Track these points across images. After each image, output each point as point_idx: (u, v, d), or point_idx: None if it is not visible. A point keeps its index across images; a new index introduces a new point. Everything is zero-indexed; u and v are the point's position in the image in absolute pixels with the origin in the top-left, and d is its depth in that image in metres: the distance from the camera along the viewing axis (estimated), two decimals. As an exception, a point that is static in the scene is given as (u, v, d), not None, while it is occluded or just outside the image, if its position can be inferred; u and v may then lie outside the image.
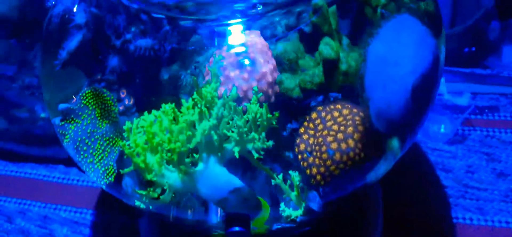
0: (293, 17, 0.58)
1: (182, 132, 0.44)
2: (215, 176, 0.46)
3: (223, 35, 0.56)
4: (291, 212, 0.49)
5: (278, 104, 0.52)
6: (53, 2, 0.79)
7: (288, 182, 0.49)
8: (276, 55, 0.55)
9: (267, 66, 0.54)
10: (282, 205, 0.49)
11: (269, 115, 0.46)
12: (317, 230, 0.61)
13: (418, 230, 0.75)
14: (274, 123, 0.47)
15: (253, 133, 0.46)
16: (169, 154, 0.45)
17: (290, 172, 0.48)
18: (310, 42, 0.56)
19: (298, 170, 0.48)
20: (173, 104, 0.47)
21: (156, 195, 0.47)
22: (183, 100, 0.47)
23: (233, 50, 0.53)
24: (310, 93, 0.52)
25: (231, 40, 0.55)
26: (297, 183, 0.48)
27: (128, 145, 0.46)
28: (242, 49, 0.53)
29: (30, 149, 0.86)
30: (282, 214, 0.49)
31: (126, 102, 0.57)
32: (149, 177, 0.46)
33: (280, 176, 0.48)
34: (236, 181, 0.46)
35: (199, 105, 0.46)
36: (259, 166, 0.49)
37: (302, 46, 0.56)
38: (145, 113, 0.47)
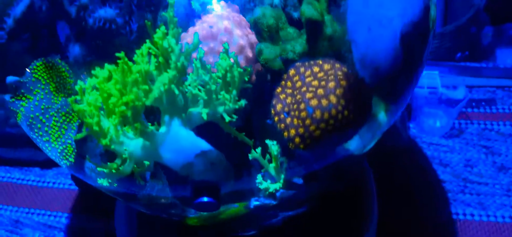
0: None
1: (136, 84, 0.37)
2: (179, 139, 0.39)
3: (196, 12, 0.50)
4: (269, 184, 0.42)
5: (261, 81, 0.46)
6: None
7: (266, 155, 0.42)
8: (253, 21, 0.48)
9: (245, 39, 0.48)
10: (258, 176, 0.42)
11: (240, 70, 0.39)
12: (309, 216, 0.53)
13: (416, 228, 0.67)
14: (246, 78, 0.40)
15: (223, 92, 0.39)
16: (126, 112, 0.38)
17: (267, 141, 0.41)
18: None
19: (276, 137, 0.41)
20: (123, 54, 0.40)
21: (115, 166, 0.40)
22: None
23: (206, 22, 0.46)
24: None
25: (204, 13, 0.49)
26: (276, 153, 0.41)
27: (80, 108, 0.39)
28: (216, 20, 0.47)
29: (1, 151, 0.79)
30: (259, 187, 0.42)
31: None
32: (104, 142, 0.39)
33: (259, 149, 0.41)
34: (203, 144, 0.39)
35: (156, 58, 0.39)
36: (232, 132, 0.41)
37: (284, 16, 0.50)
38: (97, 68, 0.40)
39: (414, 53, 0.43)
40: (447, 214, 0.69)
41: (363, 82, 0.39)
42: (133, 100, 0.37)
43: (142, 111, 0.38)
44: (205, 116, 0.39)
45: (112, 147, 0.40)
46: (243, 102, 0.40)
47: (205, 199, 0.38)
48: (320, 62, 0.41)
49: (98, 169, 0.42)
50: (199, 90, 0.40)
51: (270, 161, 0.41)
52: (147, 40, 0.38)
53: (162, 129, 0.39)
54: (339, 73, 0.40)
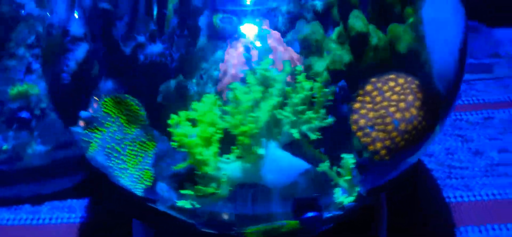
0: (293, 2, 0.54)
1: (248, 112, 0.38)
2: (279, 160, 0.40)
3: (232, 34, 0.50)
4: (344, 198, 0.44)
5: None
6: (24, 12, 0.69)
7: (334, 167, 0.44)
8: (303, 37, 0.50)
9: (288, 54, 0.50)
10: (337, 191, 0.44)
11: (325, 90, 0.41)
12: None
13: (412, 215, 0.73)
14: (330, 97, 0.42)
15: (309, 112, 0.41)
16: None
17: (345, 155, 0.43)
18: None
19: (350, 150, 0.44)
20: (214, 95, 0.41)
21: (212, 190, 0.40)
22: (235, 85, 0.41)
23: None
24: (336, 76, 0.48)
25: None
26: (351, 166, 0.43)
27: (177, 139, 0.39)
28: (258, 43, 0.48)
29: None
30: (335, 201, 0.44)
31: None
32: (207, 169, 0.39)
33: (326, 163, 0.43)
34: (303, 163, 0.40)
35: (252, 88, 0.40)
36: (309, 150, 0.43)
37: (322, 29, 0.52)
38: (194, 103, 0.40)
39: (464, 63, 0.47)
40: (441, 198, 0.76)
41: (437, 94, 0.43)
42: (252, 129, 0.37)
43: (259, 136, 0.39)
44: (297, 136, 0.41)
45: (210, 172, 0.40)
46: (330, 120, 0.42)
47: (310, 214, 0.40)
48: (393, 77, 0.44)
49: (187, 192, 0.42)
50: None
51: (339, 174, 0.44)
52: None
53: (261, 151, 0.40)
54: (413, 86, 0.43)
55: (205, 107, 0.40)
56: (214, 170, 0.40)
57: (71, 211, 0.72)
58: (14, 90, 0.67)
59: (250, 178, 0.40)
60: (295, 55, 0.50)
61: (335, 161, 0.44)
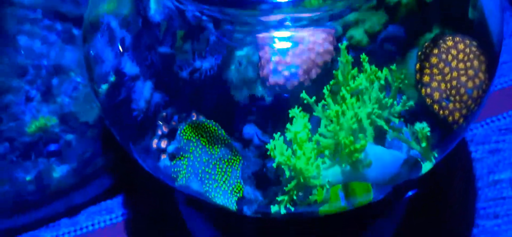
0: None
1: (351, 129, 0.38)
2: (379, 157, 0.41)
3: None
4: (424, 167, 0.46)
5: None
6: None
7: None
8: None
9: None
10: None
11: (400, 75, 0.42)
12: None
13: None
14: (406, 81, 0.42)
15: (390, 100, 0.42)
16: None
17: (417, 125, 0.44)
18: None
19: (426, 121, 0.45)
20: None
21: (321, 198, 0.41)
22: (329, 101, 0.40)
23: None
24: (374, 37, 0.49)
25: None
26: (428, 134, 0.44)
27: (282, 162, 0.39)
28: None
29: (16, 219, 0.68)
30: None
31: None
32: (313, 181, 0.40)
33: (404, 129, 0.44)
34: (399, 153, 0.42)
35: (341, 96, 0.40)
36: (396, 136, 0.44)
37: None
38: (288, 126, 0.40)
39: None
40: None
41: (495, 54, 0.45)
42: (359, 146, 0.38)
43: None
44: (386, 128, 0.42)
45: (314, 182, 0.41)
46: (411, 102, 0.43)
47: (410, 193, 0.42)
48: (451, 43, 0.45)
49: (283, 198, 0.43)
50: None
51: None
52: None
53: (362, 155, 0.41)
54: (474, 49, 0.45)
55: (298, 127, 0.39)
56: (318, 179, 0.40)
57: (110, 212, 0.70)
58: (31, 127, 0.63)
59: (352, 179, 0.41)
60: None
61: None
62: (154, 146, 0.48)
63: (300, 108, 0.41)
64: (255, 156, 0.47)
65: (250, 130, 0.48)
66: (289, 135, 0.40)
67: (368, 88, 0.39)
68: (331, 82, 0.41)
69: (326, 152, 0.40)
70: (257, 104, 0.48)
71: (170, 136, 0.48)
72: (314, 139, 0.41)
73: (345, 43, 0.40)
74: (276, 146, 0.40)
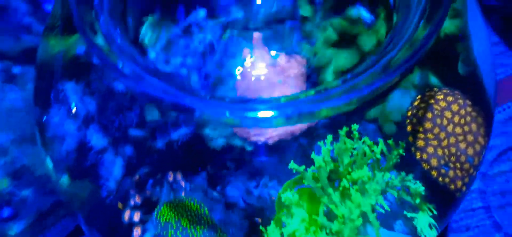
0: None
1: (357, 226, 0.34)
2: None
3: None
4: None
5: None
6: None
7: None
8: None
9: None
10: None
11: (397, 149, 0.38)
12: None
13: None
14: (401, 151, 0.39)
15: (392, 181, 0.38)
16: None
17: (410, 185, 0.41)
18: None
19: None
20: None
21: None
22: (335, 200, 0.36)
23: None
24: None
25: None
26: (423, 193, 0.41)
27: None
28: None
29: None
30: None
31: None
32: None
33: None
34: (401, 235, 0.38)
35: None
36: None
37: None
38: (285, 221, 0.36)
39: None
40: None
41: (491, 111, 0.42)
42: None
43: None
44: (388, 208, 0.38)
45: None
46: (411, 176, 0.39)
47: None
48: (444, 104, 0.42)
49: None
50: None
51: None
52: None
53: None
54: (469, 109, 0.41)
55: (294, 225, 0.35)
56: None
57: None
58: (-18, 195, 0.55)
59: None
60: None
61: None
62: (126, 219, 0.43)
63: (294, 195, 0.37)
64: (241, 218, 0.43)
65: (234, 193, 0.44)
66: (286, 232, 0.35)
67: (371, 178, 0.35)
68: (327, 169, 0.36)
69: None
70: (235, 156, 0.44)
71: (144, 206, 0.43)
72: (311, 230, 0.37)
73: (345, 128, 0.35)
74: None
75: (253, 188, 0.45)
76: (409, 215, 0.39)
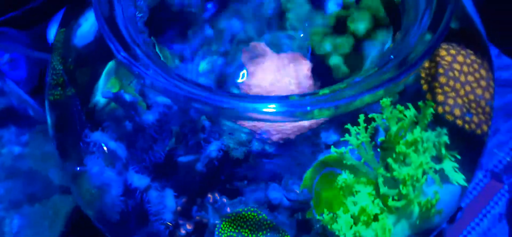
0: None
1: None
2: (443, 198, 0.40)
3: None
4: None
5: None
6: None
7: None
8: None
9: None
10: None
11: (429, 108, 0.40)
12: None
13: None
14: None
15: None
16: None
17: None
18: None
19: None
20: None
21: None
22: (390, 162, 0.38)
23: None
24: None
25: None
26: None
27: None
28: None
29: None
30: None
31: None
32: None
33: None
34: (453, 186, 0.41)
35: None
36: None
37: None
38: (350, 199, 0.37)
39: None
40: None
41: (490, 58, 0.46)
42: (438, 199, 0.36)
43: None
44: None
45: None
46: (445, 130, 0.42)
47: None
48: (450, 58, 0.44)
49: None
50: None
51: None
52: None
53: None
54: (473, 57, 0.45)
55: (364, 200, 0.37)
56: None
57: None
58: None
59: (421, 229, 0.40)
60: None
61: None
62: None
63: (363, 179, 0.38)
64: (288, 217, 0.44)
65: (276, 194, 0.44)
66: (354, 209, 0.36)
67: (423, 138, 0.37)
68: (379, 140, 0.38)
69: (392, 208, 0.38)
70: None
71: (196, 231, 0.43)
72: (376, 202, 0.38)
73: (389, 99, 0.37)
74: (343, 224, 0.37)
75: (291, 184, 0.46)
76: (438, 167, 0.41)
